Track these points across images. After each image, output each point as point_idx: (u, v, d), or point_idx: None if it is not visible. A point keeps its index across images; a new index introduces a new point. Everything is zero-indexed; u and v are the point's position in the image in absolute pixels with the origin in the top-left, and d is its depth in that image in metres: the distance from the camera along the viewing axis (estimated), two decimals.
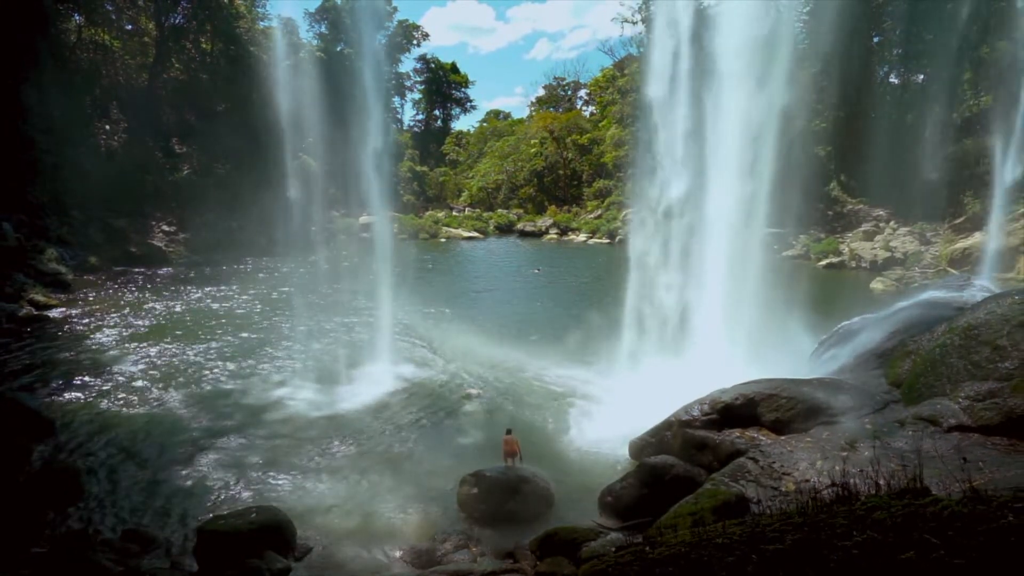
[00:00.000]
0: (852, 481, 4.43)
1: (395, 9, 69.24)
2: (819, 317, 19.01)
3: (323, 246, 40.41)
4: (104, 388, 16.17)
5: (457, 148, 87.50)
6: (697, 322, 17.04)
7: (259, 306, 26.74)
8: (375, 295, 22.10)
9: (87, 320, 22.81)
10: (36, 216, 31.03)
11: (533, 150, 72.80)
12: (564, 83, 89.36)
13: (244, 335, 21.94)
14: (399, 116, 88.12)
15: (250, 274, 34.73)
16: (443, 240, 56.32)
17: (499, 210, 69.15)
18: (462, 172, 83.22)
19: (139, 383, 16.69)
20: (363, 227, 46.33)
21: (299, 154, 41.70)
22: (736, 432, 11.08)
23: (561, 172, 70.83)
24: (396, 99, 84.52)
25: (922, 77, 43.28)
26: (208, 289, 29.44)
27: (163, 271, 33.67)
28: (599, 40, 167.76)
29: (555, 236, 59.39)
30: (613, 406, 15.19)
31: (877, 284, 32.08)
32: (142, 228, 37.54)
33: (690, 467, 10.44)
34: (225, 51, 45.43)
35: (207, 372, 17.93)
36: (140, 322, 23.06)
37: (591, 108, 77.94)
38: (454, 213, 68.86)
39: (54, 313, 23.28)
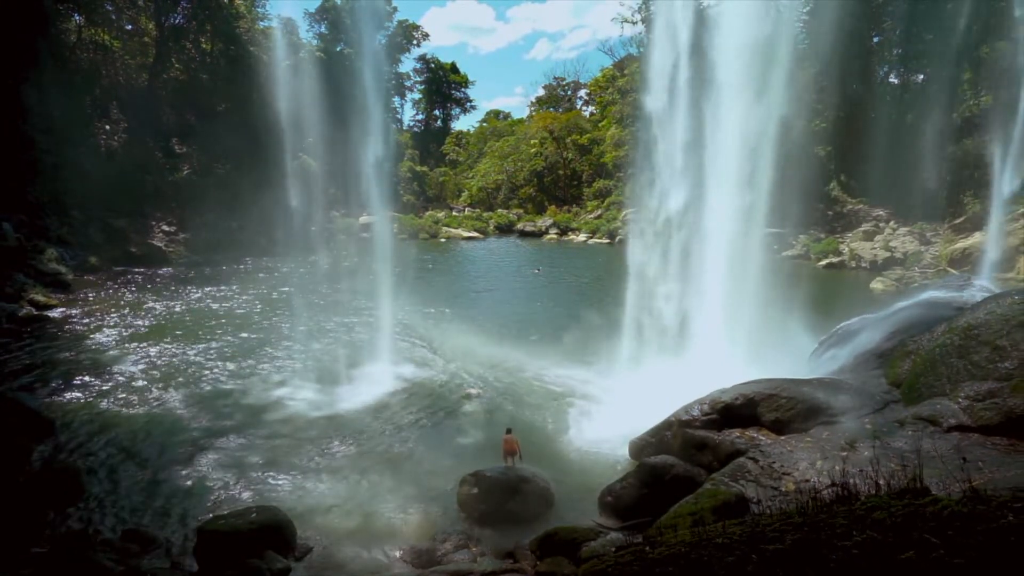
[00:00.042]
0: (852, 481, 4.44)
1: (395, 9, 69.29)
2: (819, 317, 19.00)
3: (323, 246, 40.43)
4: (104, 388, 16.17)
5: (457, 148, 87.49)
6: (697, 324, 17.05)
7: (259, 306, 26.73)
8: (375, 295, 22.13)
9: (87, 320, 22.81)
10: (36, 216, 31.02)
11: (533, 150, 72.78)
12: (564, 83, 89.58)
13: (244, 335, 21.95)
14: (399, 116, 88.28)
15: (250, 274, 34.71)
16: (443, 240, 56.30)
17: (499, 210, 69.13)
18: (462, 172, 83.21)
19: (139, 383, 16.69)
20: (363, 227, 46.37)
21: (299, 154, 41.74)
22: (736, 432, 11.09)
23: (561, 172, 70.82)
24: (396, 99, 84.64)
25: (922, 77, 43.33)
26: (208, 289, 29.43)
27: (163, 271, 33.65)
28: (599, 40, 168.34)
29: (555, 236, 59.36)
30: (613, 406, 15.19)
31: (877, 284, 32.09)
32: (142, 228, 37.53)
33: (690, 467, 10.45)
34: (225, 51, 45.44)
35: (207, 372, 17.93)
36: (140, 322, 23.06)
37: (591, 108, 78.03)
38: (454, 213, 68.83)
39: (54, 313, 23.28)
